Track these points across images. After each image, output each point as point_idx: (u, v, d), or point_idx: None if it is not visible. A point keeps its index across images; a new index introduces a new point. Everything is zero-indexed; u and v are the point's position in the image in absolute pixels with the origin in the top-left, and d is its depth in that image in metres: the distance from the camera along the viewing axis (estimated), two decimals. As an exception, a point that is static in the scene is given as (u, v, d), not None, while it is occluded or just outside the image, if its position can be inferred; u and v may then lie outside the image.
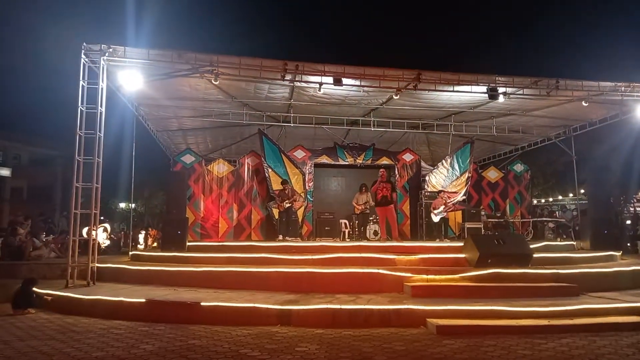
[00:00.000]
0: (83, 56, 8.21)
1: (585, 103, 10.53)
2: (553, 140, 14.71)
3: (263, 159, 12.98)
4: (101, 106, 8.21)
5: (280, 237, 11.51)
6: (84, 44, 8.20)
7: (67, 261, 7.75)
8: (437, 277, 7.36)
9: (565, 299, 6.54)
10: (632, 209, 18.25)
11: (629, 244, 13.47)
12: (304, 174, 13.45)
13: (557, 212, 17.31)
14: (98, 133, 8.11)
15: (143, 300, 6.24)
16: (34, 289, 6.99)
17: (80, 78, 8.15)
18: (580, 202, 16.03)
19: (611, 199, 13.86)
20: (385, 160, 14.39)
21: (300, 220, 13.06)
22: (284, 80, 9.70)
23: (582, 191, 17.37)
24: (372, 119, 12.88)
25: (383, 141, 15.00)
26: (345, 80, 9.64)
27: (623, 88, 10.20)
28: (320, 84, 9.67)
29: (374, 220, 12.57)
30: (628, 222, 15.65)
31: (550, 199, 27.76)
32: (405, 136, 15.04)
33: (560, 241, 12.60)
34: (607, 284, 7.45)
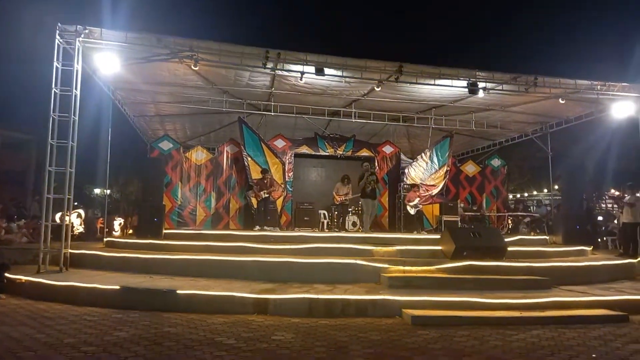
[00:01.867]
0: (58, 37, 7.96)
1: (562, 100, 10.73)
2: (530, 137, 14.97)
3: (243, 148, 12.87)
4: (76, 89, 7.99)
5: (258, 227, 11.44)
6: (59, 24, 7.95)
7: (39, 246, 7.57)
8: (413, 268, 7.45)
9: (537, 291, 6.69)
10: (604, 205, 18.76)
11: (599, 240, 13.87)
12: (283, 164, 13.39)
13: (531, 207, 17.70)
14: (72, 116, 7.90)
15: (117, 287, 6.15)
16: (5, 274, 6.81)
17: (55, 59, 7.91)
18: (555, 197, 16.40)
19: (584, 195, 14.22)
20: (365, 152, 14.45)
21: (279, 210, 13.03)
22: (265, 68, 9.60)
23: (557, 187, 17.77)
24: (353, 110, 12.87)
25: (364, 133, 15.03)
26: (327, 70, 9.57)
27: (599, 87, 10.42)
28: (302, 73, 9.59)
29: (353, 212, 12.63)
30: (600, 218, 16.11)
31: (526, 194, 28.35)
32: (386, 128, 15.10)
33: (534, 235, 12.87)
34: (577, 278, 7.66)
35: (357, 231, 11.94)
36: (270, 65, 9.50)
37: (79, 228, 12.88)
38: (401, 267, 7.41)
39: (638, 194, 10.69)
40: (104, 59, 8.68)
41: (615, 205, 13.88)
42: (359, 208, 12.34)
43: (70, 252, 7.87)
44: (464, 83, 10.12)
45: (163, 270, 7.44)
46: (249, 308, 5.88)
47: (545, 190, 25.47)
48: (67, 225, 7.88)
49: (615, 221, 13.98)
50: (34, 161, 27.85)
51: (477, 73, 10.07)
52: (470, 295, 6.17)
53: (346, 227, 12.24)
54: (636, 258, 9.49)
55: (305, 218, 12.79)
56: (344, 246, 8.52)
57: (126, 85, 11.05)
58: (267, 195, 11.77)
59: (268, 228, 11.43)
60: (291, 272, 7.27)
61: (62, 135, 7.91)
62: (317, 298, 5.98)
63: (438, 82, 10.24)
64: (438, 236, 9.16)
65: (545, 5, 52.11)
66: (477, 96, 10.66)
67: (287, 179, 13.51)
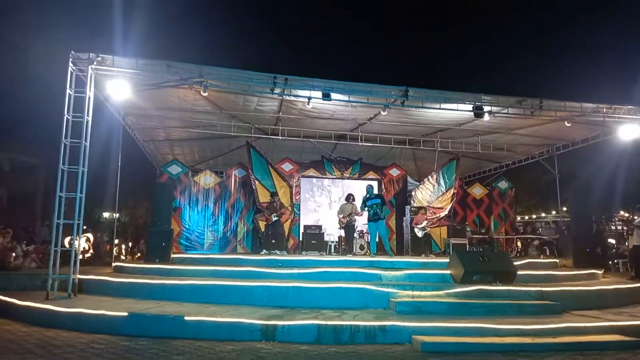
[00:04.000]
0: (71, 64, 8.13)
1: (568, 123, 10.74)
2: (537, 159, 14.95)
3: (250, 171, 12.96)
4: (88, 115, 8.13)
5: (265, 251, 11.41)
6: (72, 52, 8.13)
7: (48, 272, 7.58)
8: (422, 293, 7.38)
9: (549, 317, 6.60)
10: (613, 227, 18.53)
11: (610, 262, 13.68)
12: (291, 187, 13.44)
13: (539, 230, 17.52)
14: (84, 142, 8.01)
15: (125, 313, 6.13)
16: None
17: (67, 86, 8.06)
18: (563, 219, 16.26)
19: (593, 217, 14.09)
20: (372, 175, 14.49)
21: (286, 233, 13.02)
22: (273, 93, 9.73)
23: (565, 209, 17.64)
24: (360, 133, 12.96)
25: (370, 156, 15.10)
26: (333, 95, 9.68)
27: (605, 109, 10.43)
28: (309, 98, 9.72)
29: (360, 235, 12.54)
30: (611, 240, 15.92)
31: (534, 216, 28.15)
32: (392, 151, 15.15)
33: (543, 258, 12.73)
34: (589, 303, 7.55)
35: (365, 254, 11.86)
36: (278, 90, 9.62)
37: (87, 253, 12.91)
38: (410, 292, 7.34)
39: (647, 216, 10.58)
40: (115, 85, 8.86)
41: (625, 228, 13.72)
42: (367, 231, 12.29)
43: (78, 278, 7.88)
44: (470, 107, 10.19)
45: (171, 295, 7.42)
46: (256, 335, 5.83)
47: (554, 212, 25.28)
48: (76, 250, 7.90)
49: (627, 243, 13.81)
50: (43, 185, 28.08)
51: (483, 97, 10.13)
52: (481, 321, 6.10)
53: (354, 250, 12.13)
54: (648, 282, 9.34)
55: (313, 241, 12.69)
56: (352, 270, 8.47)
57: (136, 111, 11.23)
58: (277, 218, 11.75)
59: (278, 252, 11.37)
60: (299, 298, 7.22)
61: (73, 159, 8.01)
62: (326, 324, 5.92)
63: (444, 106, 10.30)
64: (446, 260, 9.09)
65: (550, 29, 52.67)
66: (482, 119, 10.70)
67: (294, 202, 13.54)
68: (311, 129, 12.82)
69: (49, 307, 6.64)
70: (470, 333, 5.86)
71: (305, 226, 13.16)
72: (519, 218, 21.37)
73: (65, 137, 7.97)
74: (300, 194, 13.92)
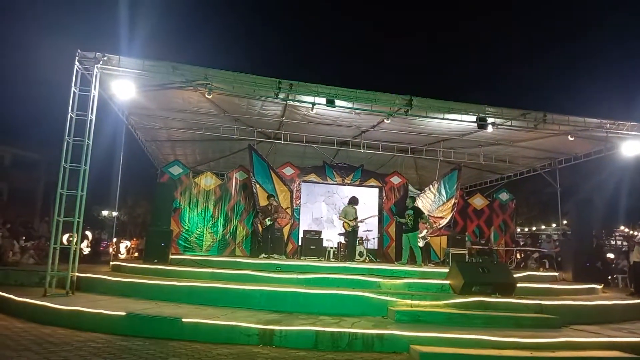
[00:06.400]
0: (77, 63, 8.16)
1: (571, 138, 10.73)
2: (539, 172, 14.95)
3: (252, 175, 12.94)
4: (91, 114, 8.14)
5: (264, 255, 11.36)
6: (79, 51, 8.16)
7: (47, 269, 7.56)
8: (421, 302, 7.33)
9: (548, 330, 6.56)
10: (613, 242, 18.53)
11: (609, 277, 13.64)
12: (291, 192, 13.42)
13: (539, 243, 17.51)
14: (87, 140, 8.02)
15: (123, 313, 6.10)
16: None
17: (72, 85, 8.09)
18: (563, 232, 16.24)
19: (593, 232, 14.07)
20: (373, 182, 14.48)
21: (285, 237, 12.99)
22: (277, 98, 9.74)
23: (565, 222, 17.64)
24: (362, 140, 12.96)
25: (372, 163, 15.10)
26: (337, 102, 9.70)
27: (608, 125, 10.44)
28: (313, 104, 9.73)
29: (360, 242, 12.49)
30: (610, 255, 15.89)
31: (534, 228, 28.12)
32: (394, 159, 15.14)
33: (543, 271, 12.69)
34: (589, 317, 7.49)
35: (364, 261, 11.81)
36: (282, 95, 9.63)
37: (85, 250, 12.89)
38: (409, 301, 7.31)
39: (649, 233, 10.58)
40: (120, 85, 8.89)
41: (626, 243, 13.70)
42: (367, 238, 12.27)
43: (77, 276, 7.85)
44: (473, 118, 10.20)
45: (169, 296, 7.40)
46: (254, 339, 5.80)
47: (554, 225, 25.25)
48: (74, 248, 7.88)
49: (629, 259, 13.78)
50: (44, 181, 28.12)
51: (486, 108, 10.13)
52: (479, 333, 6.06)
53: (354, 257, 12.02)
54: (647, 298, 9.31)
55: (312, 247, 12.62)
56: (351, 277, 8.44)
57: (140, 111, 11.24)
58: (271, 222, 11.67)
59: (277, 256, 11.33)
60: (297, 303, 7.19)
61: (75, 157, 8.02)
62: (324, 331, 5.89)
63: (447, 116, 10.30)
64: (446, 269, 9.06)
65: (557, 45, 52.87)
66: (485, 131, 10.71)
67: (294, 207, 13.52)
68: (314, 134, 12.83)
69: (47, 304, 6.62)
70: (468, 344, 5.81)
71: (304, 231, 13.12)
72: (518, 230, 21.36)
73: (69, 135, 7.99)
74: (300, 198, 13.90)
